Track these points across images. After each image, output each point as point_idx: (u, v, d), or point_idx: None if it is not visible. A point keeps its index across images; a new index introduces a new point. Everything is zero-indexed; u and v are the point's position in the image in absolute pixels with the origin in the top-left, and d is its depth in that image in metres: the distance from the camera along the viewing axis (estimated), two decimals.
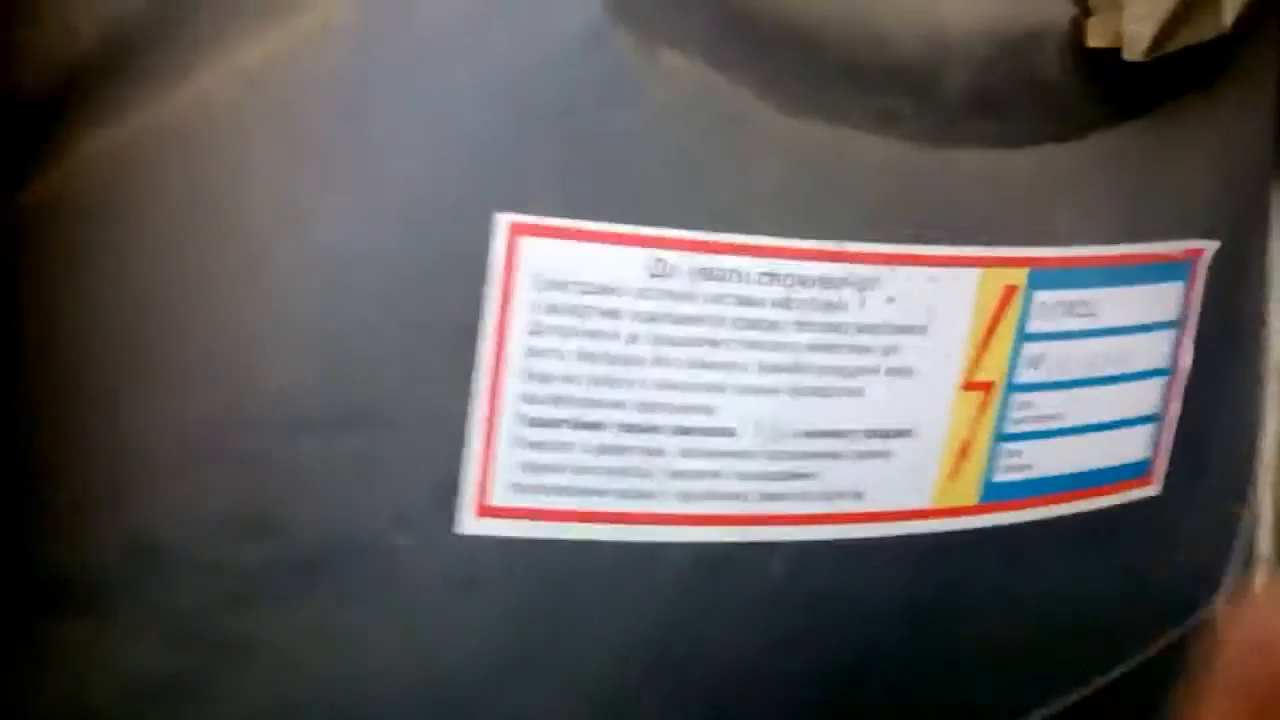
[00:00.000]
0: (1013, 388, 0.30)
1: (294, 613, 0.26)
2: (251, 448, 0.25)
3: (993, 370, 0.29)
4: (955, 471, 0.30)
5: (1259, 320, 0.40)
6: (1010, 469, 0.31)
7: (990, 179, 0.27)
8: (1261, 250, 0.39)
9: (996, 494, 0.31)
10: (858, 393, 0.28)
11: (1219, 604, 0.40)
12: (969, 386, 0.29)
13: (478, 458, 0.26)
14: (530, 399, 0.26)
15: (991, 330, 0.29)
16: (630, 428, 0.27)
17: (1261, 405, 0.41)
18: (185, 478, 0.25)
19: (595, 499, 0.27)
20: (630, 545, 0.27)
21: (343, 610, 0.26)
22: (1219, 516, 0.39)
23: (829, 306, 0.27)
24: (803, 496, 0.28)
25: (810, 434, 0.28)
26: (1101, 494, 0.33)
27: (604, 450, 0.27)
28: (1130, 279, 0.31)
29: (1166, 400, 0.33)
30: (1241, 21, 0.27)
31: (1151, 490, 0.34)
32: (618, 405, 0.26)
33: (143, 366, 0.25)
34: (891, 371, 0.28)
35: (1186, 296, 0.32)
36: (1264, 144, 0.36)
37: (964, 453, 0.30)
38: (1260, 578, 0.43)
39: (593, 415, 0.26)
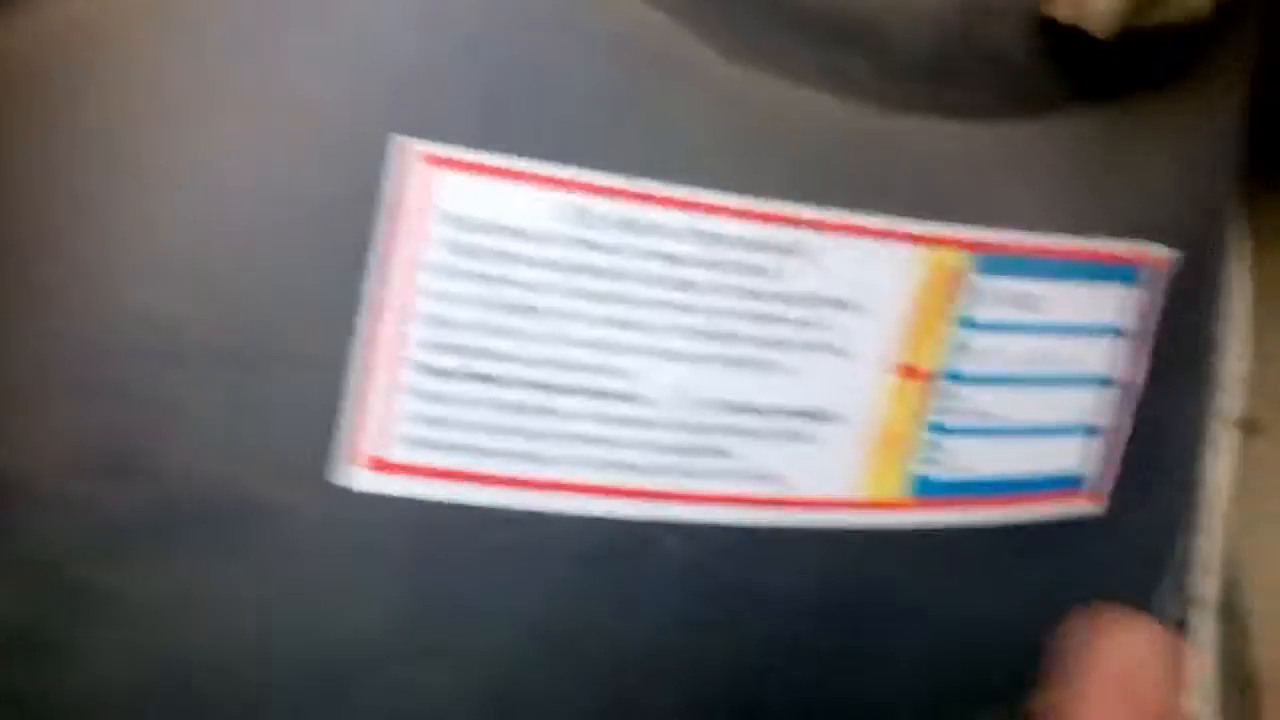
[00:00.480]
0: (948, 378, 0.28)
1: (161, 565, 0.24)
2: (120, 378, 0.23)
3: (927, 357, 0.28)
4: (881, 463, 0.28)
5: (1212, 346, 0.39)
6: (941, 466, 0.29)
7: (939, 152, 0.26)
8: (1219, 273, 0.38)
9: (924, 490, 0.29)
10: (781, 368, 0.26)
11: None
12: (901, 372, 0.28)
13: (368, 407, 0.24)
14: (429, 346, 0.24)
15: (929, 313, 0.27)
16: (535, 385, 0.25)
17: (1211, 438, 0.40)
18: (44, 407, 0.23)
19: (493, 460, 0.25)
20: (528, 514, 0.26)
21: (215, 565, 0.24)
22: (1158, 549, 0.38)
23: (756, 271, 0.25)
24: (716, 475, 0.27)
25: (727, 407, 0.26)
26: (1034, 503, 0.31)
27: (507, 408, 0.25)
28: (1079, 275, 0.29)
29: (1110, 412, 0.32)
30: (1223, 9, 0.26)
31: (1087, 506, 0.33)
32: (523, 360, 0.25)
33: (1, 280, 0.23)
34: (819, 348, 0.26)
35: (1138, 304, 0.31)
36: (1228, 159, 0.35)
37: (892, 443, 0.28)
38: (1205, 623, 0.42)
39: (497, 369, 0.25)
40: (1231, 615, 0.46)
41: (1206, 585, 0.42)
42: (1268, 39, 0.34)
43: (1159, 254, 0.31)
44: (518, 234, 0.24)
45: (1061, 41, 0.26)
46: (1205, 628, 0.41)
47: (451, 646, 0.26)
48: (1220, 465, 0.41)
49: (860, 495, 0.28)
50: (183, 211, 0.23)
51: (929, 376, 0.28)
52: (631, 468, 0.26)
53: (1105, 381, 0.31)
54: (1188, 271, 0.32)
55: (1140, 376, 0.32)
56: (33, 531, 0.24)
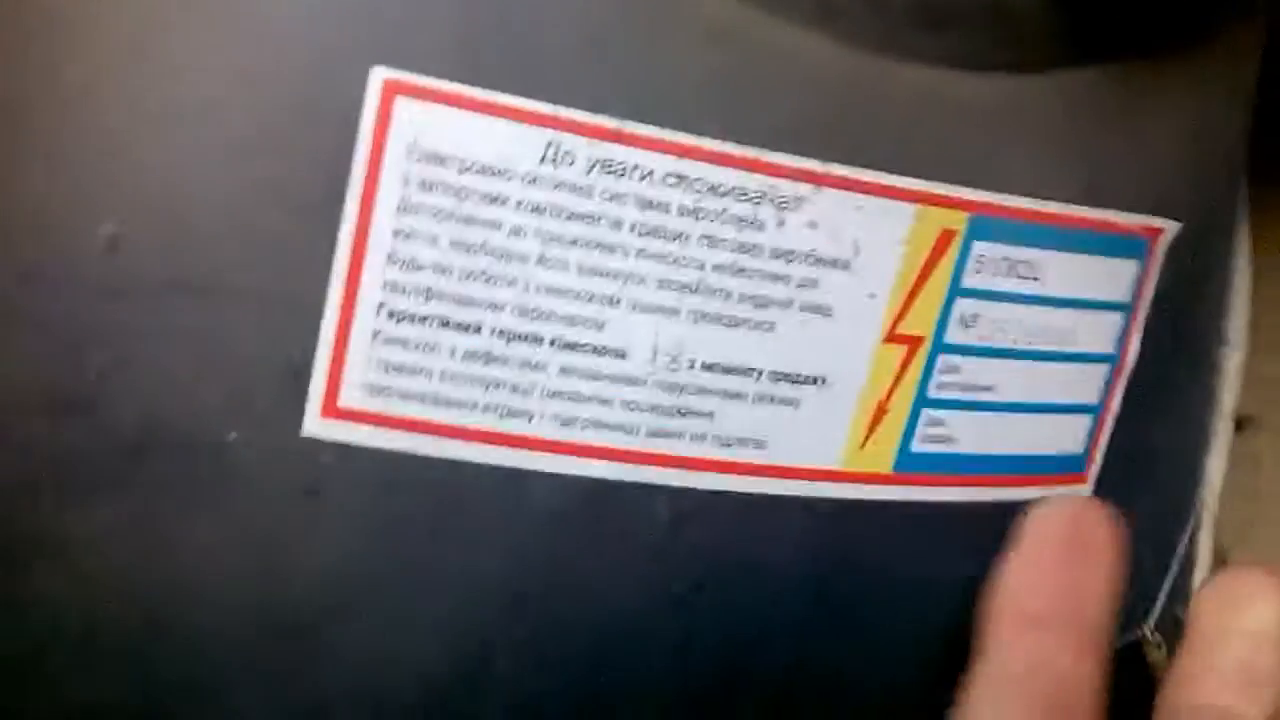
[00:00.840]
0: (941, 347, 0.27)
1: (109, 507, 0.23)
2: (73, 313, 0.22)
3: (920, 324, 0.27)
4: (869, 433, 0.27)
5: (1216, 335, 0.38)
6: (930, 439, 0.28)
7: (936, 102, 0.25)
8: (1225, 256, 0.37)
9: (913, 465, 0.28)
10: (768, 327, 0.25)
11: (1145, 631, 0.37)
12: (892, 338, 0.26)
13: (329, 349, 0.23)
14: (394, 287, 0.23)
15: (923, 278, 0.26)
16: (506, 334, 0.24)
17: (1210, 427, 0.39)
18: None
19: (461, 412, 0.24)
20: (497, 470, 0.24)
21: (166, 510, 0.23)
22: (1154, 538, 0.37)
23: (743, 223, 0.24)
24: (697, 437, 0.25)
25: (710, 367, 0.25)
26: (1029, 483, 0.30)
27: (474, 357, 0.24)
28: (1082, 245, 0.28)
29: (1108, 393, 0.31)
30: None
31: (1084, 490, 0.31)
32: (494, 306, 0.23)
33: None
34: (807, 308, 0.25)
35: (1140, 279, 0.30)
36: (1237, 134, 0.34)
37: (881, 413, 0.27)
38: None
39: (464, 315, 0.23)
40: None
41: (1198, 579, 0.40)
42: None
43: (1165, 226, 0.30)
44: (486, 170, 0.22)
45: None
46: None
47: (417, 604, 0.25)
48: (1215, 460, 0.40)
49: (846, 466, 0.27)
50: (140, 141, 0.21)
51: (921, 345, 0.27)
52: (608, 426, 0.25)
53: (1105, 359, 0.30)
54: (1194, 247, 0.31)
55: (1135, 352, 0.30)
56: None
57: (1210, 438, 0.39)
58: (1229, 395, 0.39)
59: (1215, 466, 0.40)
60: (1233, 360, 0.39)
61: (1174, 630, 0.40)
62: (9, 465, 0.23)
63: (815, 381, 0.26)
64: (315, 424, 0.23)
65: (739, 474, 0.26)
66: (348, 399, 0.23)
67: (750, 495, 0.26)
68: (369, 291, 0.23)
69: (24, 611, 0.24)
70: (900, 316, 0.26)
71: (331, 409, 0.23)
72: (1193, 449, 0.37)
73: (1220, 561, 0.43)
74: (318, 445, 0.23)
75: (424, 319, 0.23)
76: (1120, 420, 0.32)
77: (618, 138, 0.23)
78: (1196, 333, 0.35)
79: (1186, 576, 0.40)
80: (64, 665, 0.24)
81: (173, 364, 0.23)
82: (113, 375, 0.22)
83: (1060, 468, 0.31)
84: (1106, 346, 0.30)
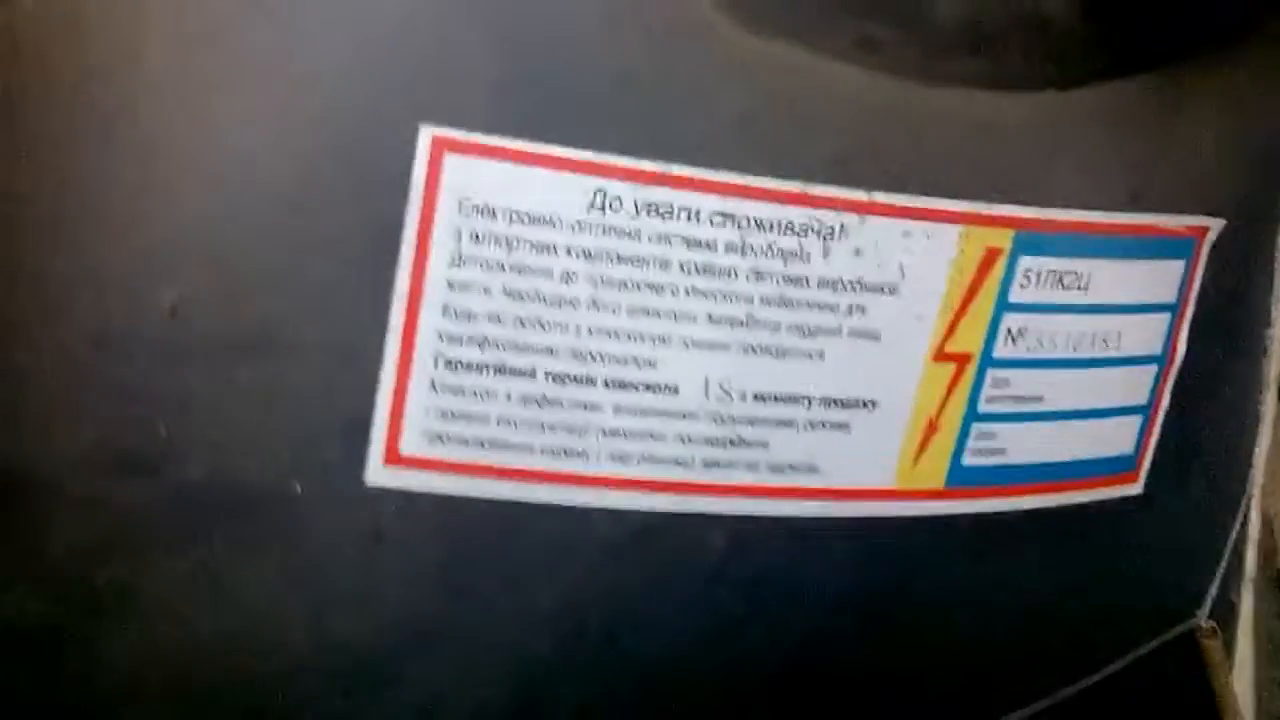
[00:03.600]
0: (990, 363, 0.27)
1: (176, 561, 0.24)
2: (136, 374, 0.23)
3: (968, 341, 0.27)
4: (921, 451, 0.27)
5: (1263, 319, 0.37)
6: (982, 452, 0.28)
7: (978, 125, 0.25)
8: (1270, 243, 0.37)
9: (965, 479, 0.28)
10: (817, 355, 0.25)
11: (1201, 619, 0.37)
12: (941, 357, 0.26)
13: (388, 401, 0.23)
14: (450, 338, 0.23)
15: (970, 297, 0.26)
16: (561, 377, 0.24)
17: (1260, 410, 0.39)
18: (56, 403, 0.23)
19: (518, 455, 0.24)
20: (556, 509, 0.25)
21: (232, 560, 0.24)
22: (1206, 526, 0.37)
23: (789, 256, 0.24)
24: (750, 467, 0.26)
25: (762, 398, 0.25)
26: (1081, 488, 0.30)
27: (530, 401, 0.24)
28: (1127, 252, 0.28)
29: (1157, 391, 0.31)
30: None
31: (1135, 488, 0.31)
32: (548, 351, 0.24)
33: (10, 275, 0.22)
34: (855, 334, 0.25)
35: (1187, 278, 0.30)
36: (1277, 127, 0.33)
37: (932, 431, 0.27)
38: (1247, 598, 0.40)
39: (519, 361, 0.24)
40: (1276, 594, 0.44)
41: (1248, 560, 0.40)
42: None
43: (1209, 227, 0.29)
44: (535, 219, 0.23)
45: (1103, 4, 0.25)
46: (1247, 603, 0.40)
47: (480, 639, 0.25)
48: (1262, 437, 0.40)
49: (899, 484, 0.27)
50: (198, 201, 0.22)
51: (969, 361, 0.27)
52: (662, 460, 0.25)
53: (1153, 360, 0.30)
54: (1239, 238, 0.31)
55: (1183, 348, 0.30)
56: (54, 531, 0.23)
57: (1260, 423, 0.39)
58: (1274, 369, 0.39)
59: (1261, 442, 0.40)
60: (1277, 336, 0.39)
61: (1228, 616, 0.40)
62: (82, 524, 0.23)
63: (865, 405, 0.26)
64: (378, 473, 0.24)
65: (793, 499, 0.26)
66: (408, 447, 0.24)
67: (804, 519, 0.27)
68: (426, 342, 0.23)
69: (98, 666, 0.24)
70: (948, 335, 0.26)
71: (393, 457, 0.24)
72: (1242, 434, 0.37)
73: (1267, 529, 0.43)
74: (381, 493, 0.24)
75: (480, 367, 0.23)
76: (1169, 415, 0.32)
77: (663, 180, 0.23)
78: (1244, 320, 0.35)
79: (1239, 560, 0.40)
80: (131, 711, 0.24)
81: (236, 422, 0.23)
82: (178, 435, 0.23)
83: (1111, 469, 0.31)
84: (1154, 347, 0.30)
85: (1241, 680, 0.40)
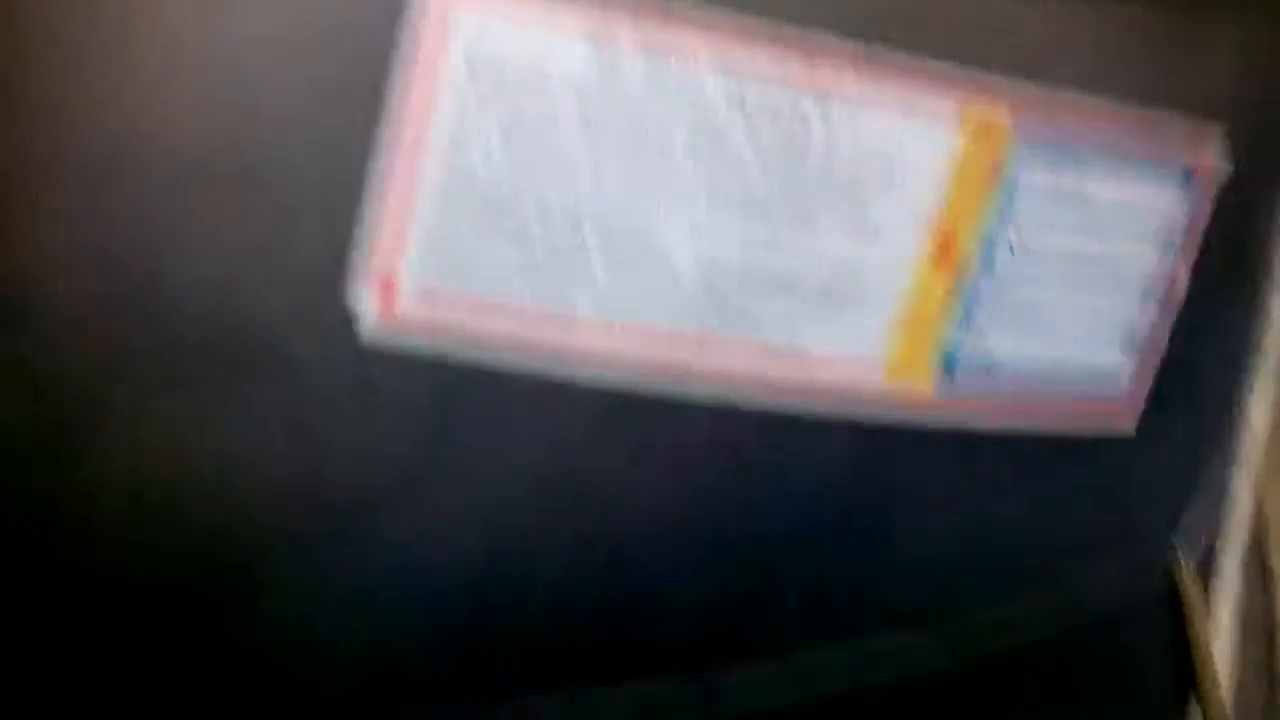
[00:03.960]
0: (986, 268, 0.27)
1: (167, 390, 0.24)
2: (128, 200, 0.23)
3: (966, 241, 0.27)
4: (911, 351, 0.27)
5: (1264, 270, 0.37)
6: (973, 364, 0.28)
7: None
8: (1275, 195, 0.36)
9: (954, 388, 0.28)
10: (813, 239, 0.25)
11: (1179, 559, 0.38)
12: (937, 255, 0.27)
13: (385, 252, 0.23)
14: (447, 191, 0.23)
15: (970, 197, 0.26)
16: (556, 240, 0.24)
17: (1255, 354, 0.39)
18: (55, 224, 0.23)
19: (510, 316, 0.24)
20: (543, 374, 0.25)
21: (226, 396, 0.24)
22: (1192, 468, 0.37)
23: (787, 120, 0.24)
24: (740, 347, 0.26)
25: (755, 277, 0.25)
26: (1071, 412, 0.30)
27: (524, 262, 0.24)
28: (1131, 175, 0.28)
29: (1154, 324, 0.31)
30: None
31: (1126, 419, 0.32)
32: (544, 212, 0.24)
33: (16, 91, 0.22)
34: (852, 220, 0.25)
35: (1190, 212, 0.30)
36: None
37: (923, 334, 0.27)
38: (1229, 568, 0.41)
39: (516, 221, 0.24)
40: (1260, 566, 0.45)
41: (1234, 529, 0.40)
42: None
43: (1216, 157, 0.29)
44: (540, 71, 0.23)
45: None
46: (1230, 573, 0.40)
47: (462, 498, 0.26)
48: (1260, 407, 0.40)
49: (887, 387, 0.27)
50: (195, 29, 0.22)
51: (966, 265, 0.27)
52: (654, 334, 0.25)
53: (1149, 291, 0.30)
54: (1244, 182, 0.31)
55: (1184, 289, 0.30)
56: (45, 341, 0.23)
57: (1252, 371, 0.39)
58: (1275, 341, 0.39)
59: (1259, 413, 0.40)
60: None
61: (1207, 560, 0.40)
62: (67, 341, 0.24)
63: (858, 296, 0.26)
64: (373, 325, 0.24)
65: (779, 386, 0.26)
66: (402, 302, 0.24)
67: (790, 411, 0.27)
68: (424, 194, 0.23)
69: (86, 475, 0.24)
70: (946, 235, 0.26)
71: (388, 312, 0.24)
72: (1234, 378, 0.37)
73: (1258, 506, 0.43)
74: (373, 349, 0.24)
75: (476, 225, 0.24)
76: (1164, 354, 0.32)
77: (665, 19, 0.23)
78: (1245, 268, 0.35)
79: (1219, 507, 0.40)
80: (111, 534, 0.25)
81: (230, 257, 0.23)
82: (176, 271, 0.23)
83: (1104, 400, 0.31)
84: (1154, 279, 0.30)
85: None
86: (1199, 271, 0.30)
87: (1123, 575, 0.34)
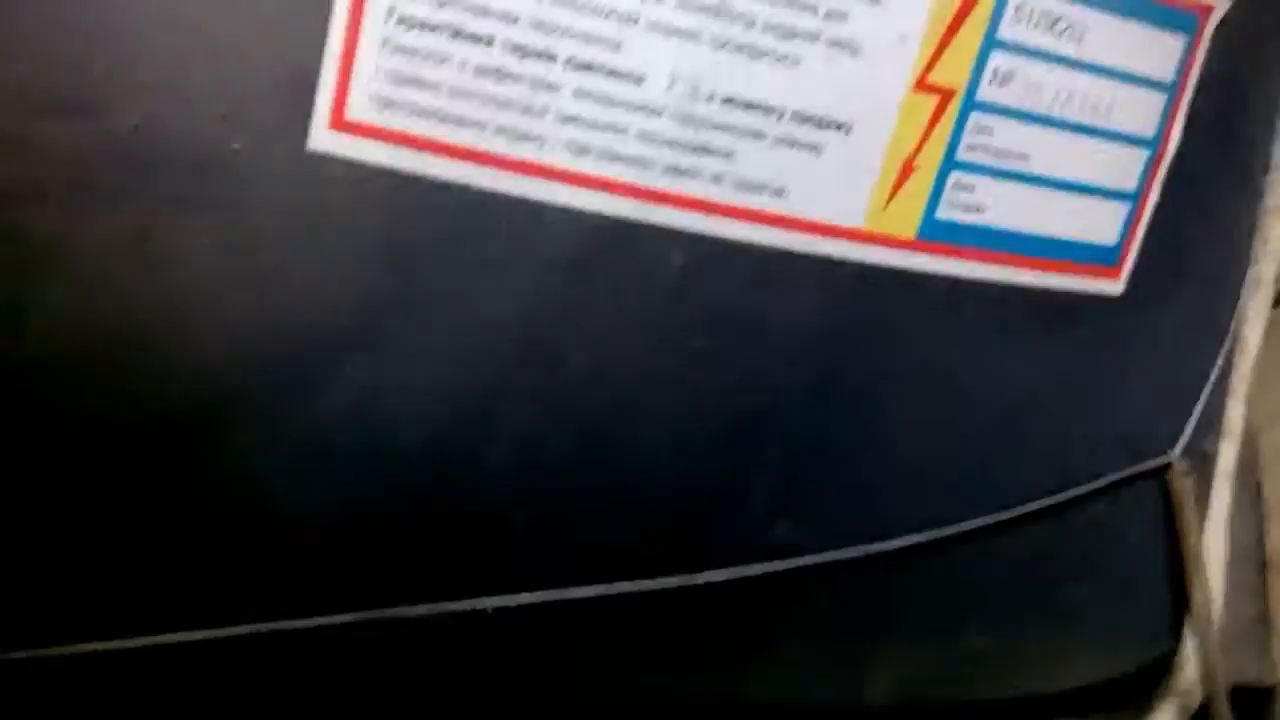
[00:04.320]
0: (973, 104, 0.26)
1: (110, 215, 0.22)
2: (73, 9, 0.21)
3: (953, 74, 0.25)
4: (895, 191, 0.26)
5: (1264, 144, 0.36)
6: (958, 206, 0.27)
7: None
8: (1277, 60, 0.35)
9: (939, 232, 0.27)
10: (792, 61, 0.24)
11: (1175, 456, 0.36)
12: (922, 88, 0.25)
13: (336, 56, 0.22)
14: None
15: (957, 22, 0.25)
16: (520, 49, 0.23)
17: (1255, 232, 0.37)
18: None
19: (471, 132, 0.23)
20: (509, 200, 0.24)
21: (167, 221, 0.23)
22: (1187, 356, 0.36)
23: None
24: (715, 178, 0.25)
25: (731, 101, 0.24)
26: (1060, 270, 0.29)
27: (486, 72, 0.23)
28: (1127, 9, 0.27)
29: (1146, 180, 0.29)
30: None
31: (1116, 286, 0.30)
32: (508, 18, 0.22)
33: None
34: (834, 44, 0.24)
35: (1186, 58, 0.28)
36: None
37: (908, 170, 0.26)
38: (1222, 491, 0.40)
39: (477, 25, 0.22)
40: (1252, 490, 0.43)
41: (1226, 450, 0.39)
42: None
43: (1216, 3, 0.28)
44: None
45: None
46: (1222, 495, 0.39)
47: (422, 338, 0.24)
48: (1254, 327, 0.39)
49: (868, 225, 0.26)
50: None
51: (952, 98, 0.26)
52: (622, 159, 0.24)
53: (1145, 143, 0.29)
54: (1245, 37, 0.30)
55: (1176, 139, 0.29)
56: None
57: (1250, 262, 0.38)
58: (1269, 264, 0.38)
59: (1253, 333, 0.39)
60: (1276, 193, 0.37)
61: (1201, 463, 0.39)
62: (13, 166, 0.22)
63: (840, 128, 0.25)
64: (322, 136, 0.23)
65: (756, 223, 0.25)
66: (356, 111, 0.22)
67: (767, 248, 0.26)
68: None
69: (24, 317, 0.23)
70: (931, 64, 0.25)
71: (339, 121, 0.22)
72: (1230, 266, 0.36)
73: (1250, 441, 0.42)
74: (324, 160, 0.23)
75: (435, 27, 0.22)
76: (1157, 218, 0.30)
77: None
78: (1242, 136, 0.33)
79: (1217, 412, 0.39)
80: (59, 380, 0.23)
81: (174, 65, 0.22)
82: (117, 75, 0.22)
83: (1093, 257, 0.30)
84: (1147, 129, 0.29)
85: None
86: (1193, 123, 0.29)
87: (1117, 481, 0.33)
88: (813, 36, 0.24)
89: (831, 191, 0.25)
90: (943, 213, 0.27)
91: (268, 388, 0.24)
